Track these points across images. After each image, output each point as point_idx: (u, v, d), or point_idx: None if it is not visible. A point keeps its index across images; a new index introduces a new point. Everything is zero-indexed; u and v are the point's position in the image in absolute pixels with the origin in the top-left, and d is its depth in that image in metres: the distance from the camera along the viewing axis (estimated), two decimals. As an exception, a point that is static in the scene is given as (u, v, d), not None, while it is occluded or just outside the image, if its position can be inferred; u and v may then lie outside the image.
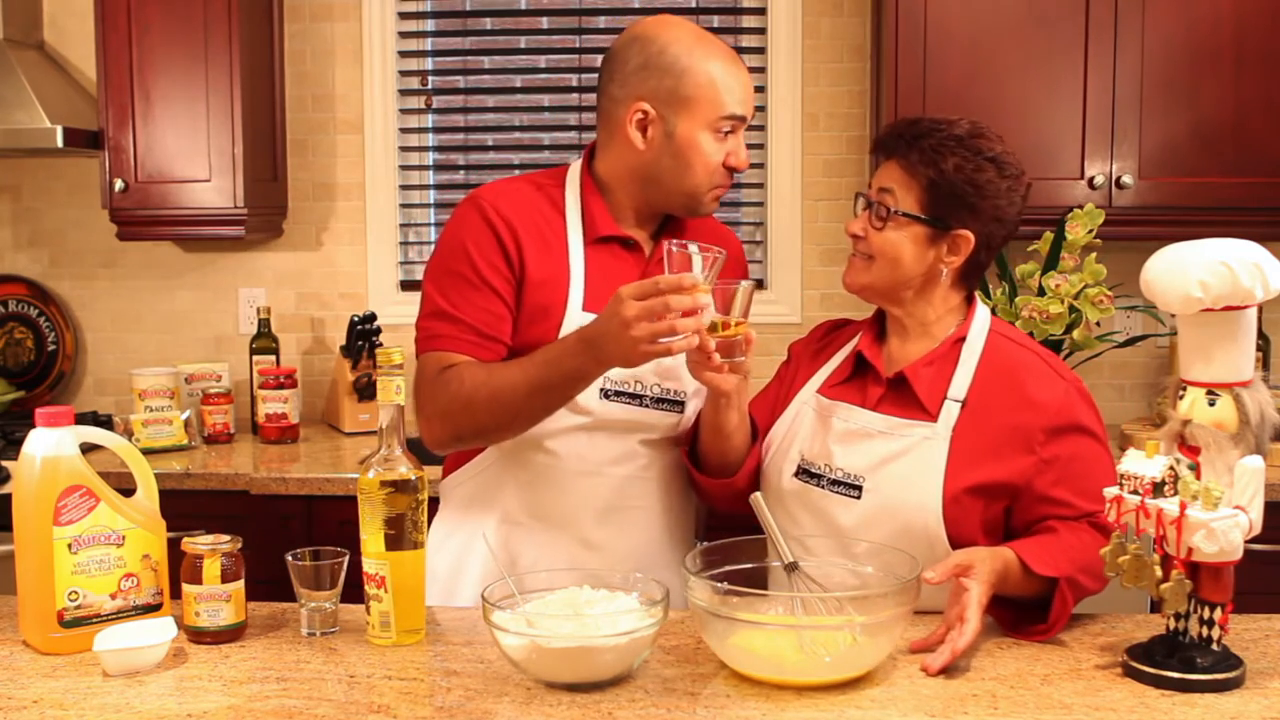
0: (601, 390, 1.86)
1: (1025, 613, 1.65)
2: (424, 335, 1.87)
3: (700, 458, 1.89)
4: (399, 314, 3.42)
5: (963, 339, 1.79)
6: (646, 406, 1.90)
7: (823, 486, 1.77)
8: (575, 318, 1.85)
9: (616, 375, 1.86)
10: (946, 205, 1.73)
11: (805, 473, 1.80)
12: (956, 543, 1.69)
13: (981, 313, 1.83)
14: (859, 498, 1.74)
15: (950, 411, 1.74)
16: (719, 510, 1.93)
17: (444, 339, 1.84)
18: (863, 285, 1.80)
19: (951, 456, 1.71)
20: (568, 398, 1.78)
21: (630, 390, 1.88)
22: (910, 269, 1.76)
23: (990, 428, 1.72)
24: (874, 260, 1.77)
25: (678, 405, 1.92)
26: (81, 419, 1.83)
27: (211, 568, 1.61)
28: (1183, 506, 1.41)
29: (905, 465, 1.73)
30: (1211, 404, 1.45)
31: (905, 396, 1.77)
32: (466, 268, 1.85)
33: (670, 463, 1.95)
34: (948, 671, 1.51)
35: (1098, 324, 2.80)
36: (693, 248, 1.66)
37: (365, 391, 3.26)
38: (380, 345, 3.18)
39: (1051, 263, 2.79)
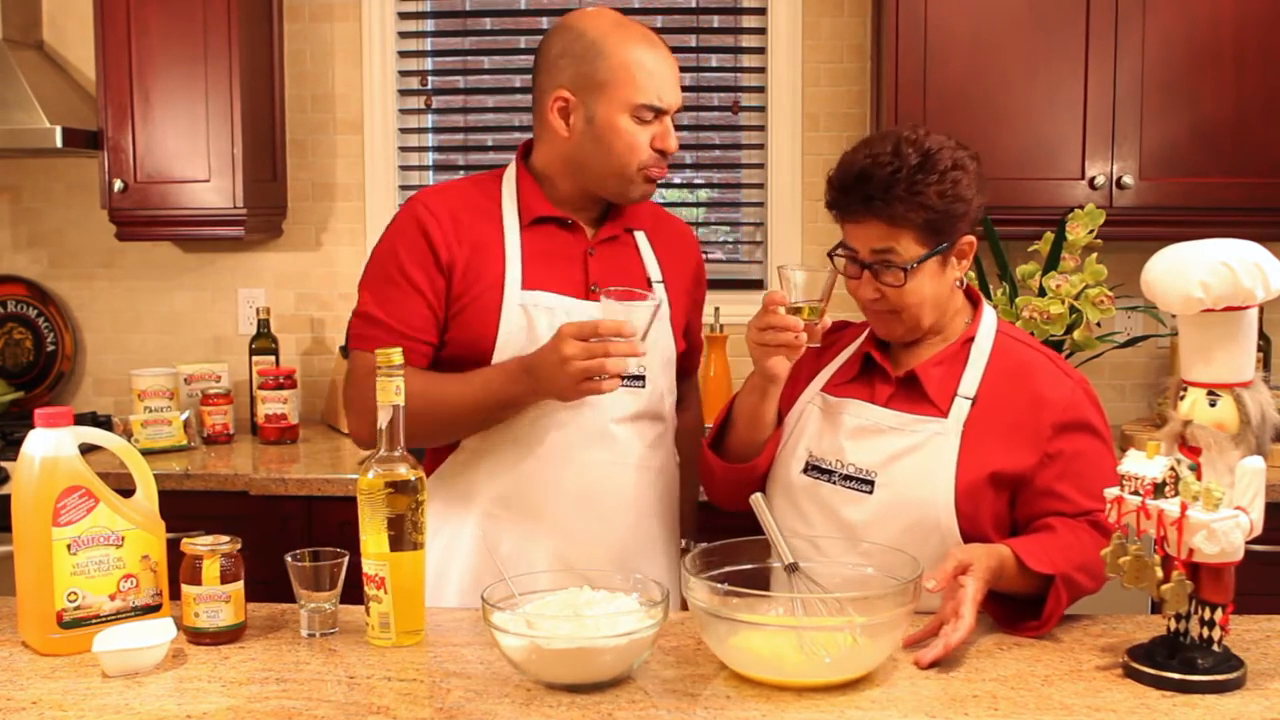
0: None
1: (1020, 609, 1.66)
2: (353, 334, 1.95)
3: (726, 448, 1.90)
4: (399, 314, 3.42)
5: (971, 339, 1.80)
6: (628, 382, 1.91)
7: (834, 482, 1.78)
8: (515, 296, 1.89)
9: None
10: (945, 228, 1.73)
11: (815, 469, 1.81)
12: (968, 537, 1.70)
13: (989, 314, 1.84)
14: (871, 493, 1.74)
15: (961, 408, 1.75)
16: (726, 506, 1.93)
17: (370, 340, 1.88)
18: (904, 332, 1.80)
19: (963, 451, 1.72)
20: (500, 420, 1.87)
21: None
22: (939, 298, 1.78)
23: (1000, 423, 1.73)
24: (903, 311, 1.76)
25: (638, 380, 1.94)
26: (81, 419, 1.83)
27: (211, 568, 1.61)
28: (1183, 507, 1.40)
29: (917, 460, 1.73)
30: (1212, 404, 1.44)
31: (915, 394, 1.78)
32: (394, 270, 1.90)
33: (645, 448, 1.96)
34: (947, 671, 1.50)
35: (1098, 324, 2.79)
36: (618, 307, 1.73)
37: (365, 392, 3.25)
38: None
39: (1052, 263, 2.79)
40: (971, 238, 1.78)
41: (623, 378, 1.74)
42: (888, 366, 1.82)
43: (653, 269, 2.02)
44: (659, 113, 1.87)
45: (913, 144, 1.71)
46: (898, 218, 1.70)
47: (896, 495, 1.73)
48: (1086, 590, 1.66)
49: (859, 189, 1.71)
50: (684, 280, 2.07)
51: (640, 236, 2.03)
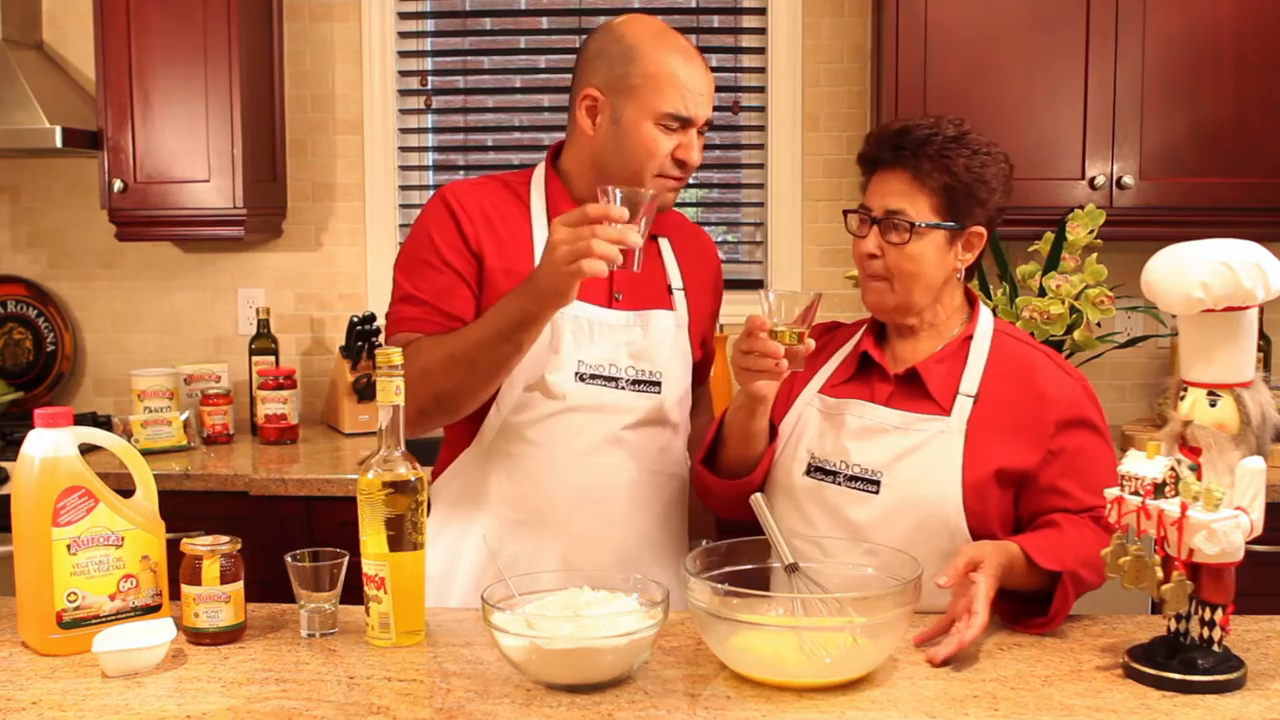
0: (576, 374, 1.89)
1: (1026, 606, 1.67)
2: (392, 319, 1.93)
3: (720, 464, 1.89)
4: (398, 314, 3.42)
5: (970, 337, 1.81)
6: (623, 389, 1.91)
7: (839, 483, 1.78)
8: None
9: (591, 359, 1.89)
10: (961, 206, 1.76)
11: (819, 470, 1.81)
12: (976, 534, 1.71)
13: (986, 313, 1.86)
14: (877, 493, 1.75)
15: (963, 406, 1.75)
16: (726, 516, 1.92)
17: (410, 320, 1.89)
18: (894, 306, 1.80)
19: (967, 448, 1.73)
20: (518, 346, 1.78)
21: (605, 373, 1.90)
22: (935, 277, 1.78)
23: (1002, 420, 1.74)
24: (896, 279, 1.77)
25: (654, 386, 1.94)
26: (80, 420, 1.83)
27: (210, 569, 1.61)
28: (1184, 507, 1.40)
29: (922, 459, 1.74)
30: (1212, 405, 1.44)
31: (916, 392, 1.78)
32: (430, 254, 1.90)
33: (656, 452, 1.96)
34: (948, 671, 1.50)
35: (1099, 324, 2.79)
36: (617, 192, 1.70)
37: (365, 392, 3.26)
38: (380, 345, 3.17)
39: (1052, 263, 2.79)
40: (983, 230, 1.80)
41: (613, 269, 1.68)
42: (885, 365, 1.82)
43: (674, 277, 2.02)
44: (685, 123, 1.87)
45: (953, 123, 1.78)
46: (922, 174, 1.74)
47: (903, 494, 1.73)
48: (1091, 586, 1.67)
49: (893, 139, 1.77)
50: (704, 290, 2.07)
51: (664, 244, 2.04)
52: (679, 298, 2.01)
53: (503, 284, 1.87)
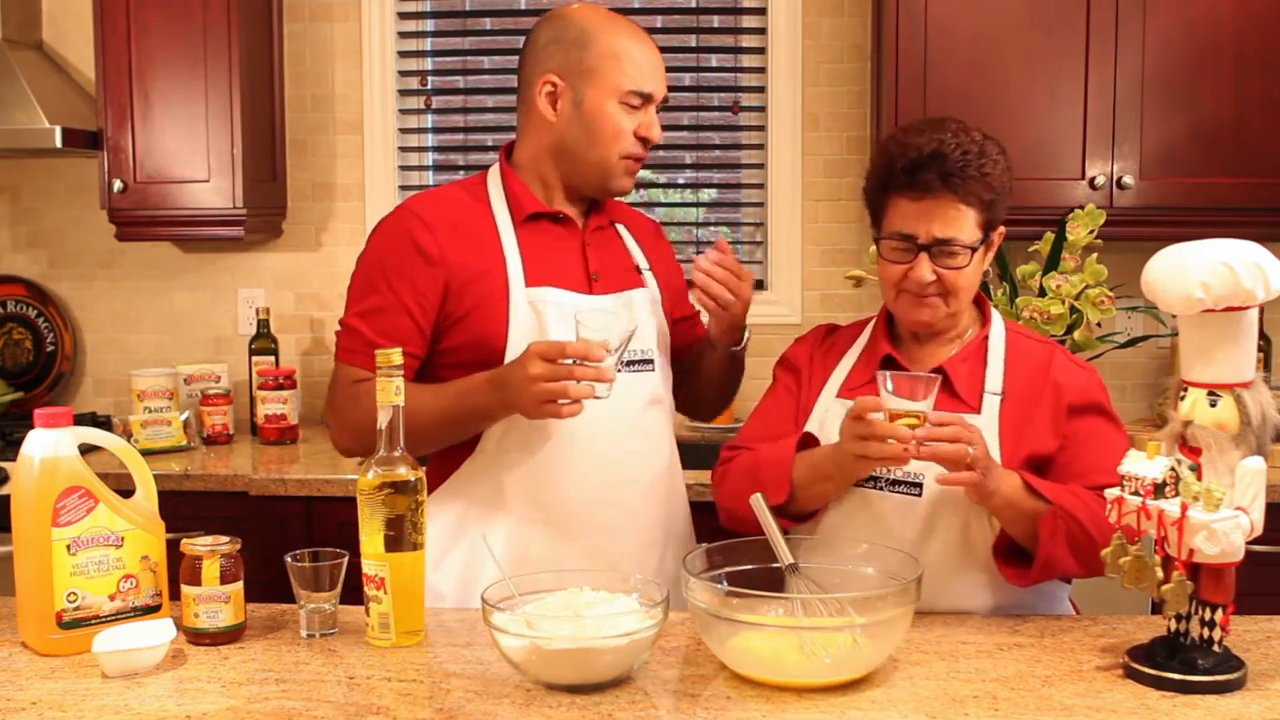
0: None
1: (1024, 562, 1.69)
2: (338, 344, 1.94)
3: (784, 510, 1.81)
4: (398, 314, 3.41)
5: (986, 337, 1.84)
6: (620, 371, 1.90)
7: (880, 488, 1.77)
8: (520, 295, 1.89)
9: None
10: (996, 212, 1.78)
11: None
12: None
13: (996, 313, 1.88)
14: (920, 495, 1.75)
15: (991, 404, 1.78)
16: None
17: (353, 352, 1.89)
18: (944, 317, 1.81)
19: (1002, 444, 1.74)
20: (472, 431, 1.86)
21: None
22: (977, 283, 1.82)
23: (1026, 415, 1.77)
24: (952, 296, 1.78)
25: (648, 365, 1.97)
26: (80, 420, 1.83)
27: (210, 569, 1.61)
28: (1184, 508, 1.40)
29: None
30: (1213, 405, 1.44)
31: (940, 392, 1.78)
32: (379, 279, 1.91)
33: (662, 434, 1.99)
34: (948, 671, 1.50)
35: (1099, 325, 2.79)
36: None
37: (365, 392, 3.25)
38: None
39: (1052, 263, 2.79)
40: (1004, 228, 1.83)
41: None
42: (907, 366, 1.83)
43: (640, 259, 2.06)
44: (645, 100, 1.90)
45: (965, 132, 1.77)
46: (970, 195, 1.74)
47: (946, 494, 1.72)
48: (1088, 537, 1.64)
49: (934, 165, 1.72)
50: (667, 267, 2.12)
51: (622, 229, 2.07)
52: (648, 277, 2.04)
53: (475, 287, 1.88)
